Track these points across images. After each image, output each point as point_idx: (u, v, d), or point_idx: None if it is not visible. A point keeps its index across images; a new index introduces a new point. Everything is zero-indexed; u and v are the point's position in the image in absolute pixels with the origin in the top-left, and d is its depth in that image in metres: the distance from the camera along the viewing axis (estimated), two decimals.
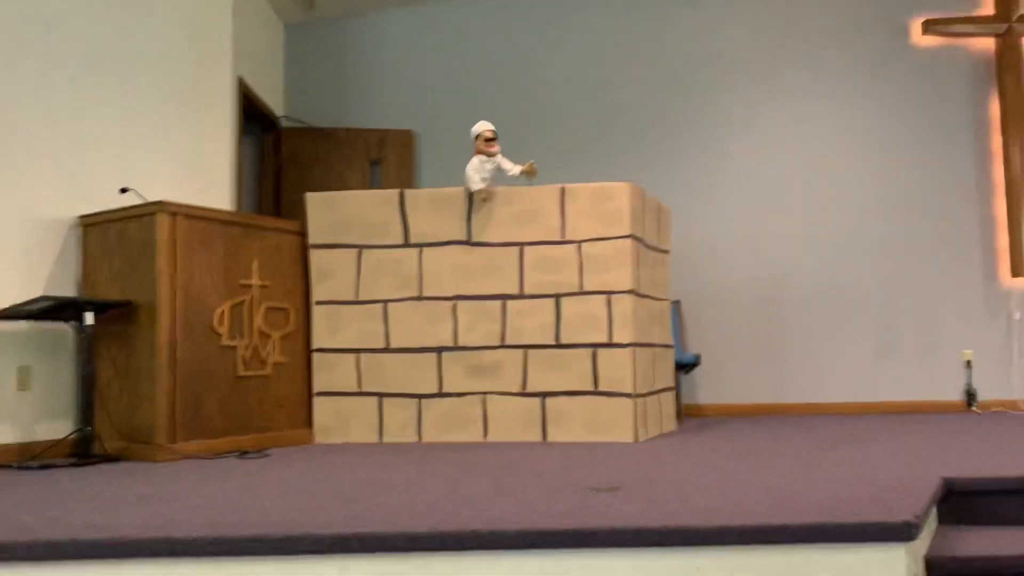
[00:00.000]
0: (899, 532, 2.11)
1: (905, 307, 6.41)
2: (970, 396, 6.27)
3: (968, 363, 6.32)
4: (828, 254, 6.50)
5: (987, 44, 6.51)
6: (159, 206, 4.06)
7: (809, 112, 6.61)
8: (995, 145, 6.45)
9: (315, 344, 4.73)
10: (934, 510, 2.66)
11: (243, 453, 4.08)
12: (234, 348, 4.34)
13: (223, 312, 4.29)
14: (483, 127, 4.61)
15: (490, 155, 4.57)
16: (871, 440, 4.20)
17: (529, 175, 4.58)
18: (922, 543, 2.38)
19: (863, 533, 2.11)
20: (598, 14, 6.84)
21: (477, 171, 4.57)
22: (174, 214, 4.11)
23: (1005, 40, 6.42)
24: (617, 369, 4.44)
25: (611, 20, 6.82)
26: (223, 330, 4.28)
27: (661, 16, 6.78)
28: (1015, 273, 6.29)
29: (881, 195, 6.50)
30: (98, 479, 3.30)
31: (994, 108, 6.46)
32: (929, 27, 6.49)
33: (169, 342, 4.03)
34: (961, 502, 2.80)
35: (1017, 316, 6.33)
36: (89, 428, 3.94)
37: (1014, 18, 6.41)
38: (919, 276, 6.42)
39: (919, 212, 6.47)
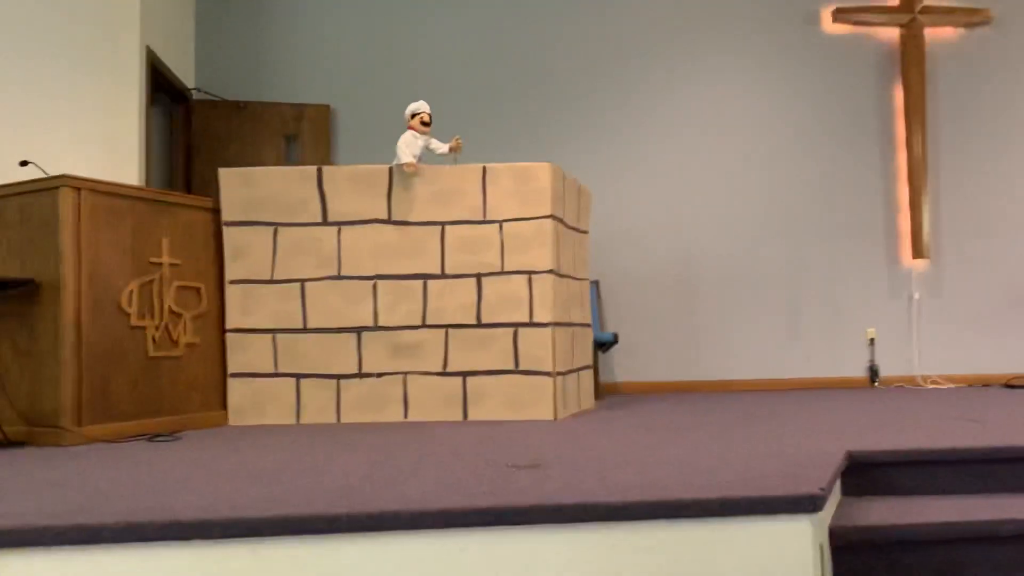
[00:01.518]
0: (805, 504, 2.19)
1: (813, 287, 6.64)
2: (873, 373, 6.55)
3: (872, 341, 6.60)
4: (741, 236, 6.67)
5: (892, 34, 6.77)
6: (62, 180, 3.88)
7: (723, 96, 6.75)
8: (899, 132, 6.72)
9: (229, 324, 4.61)
10: (838, 482, 2.78)
11: (154, 436, 3.97)
12: (144, 328, 4.20)
13: (132, 291, 4.14)
14: (422, 107, 4.66)
15: (422, 133, 4.59)
16: (780, 416, 4.34)
17: (455, 151, 4.60)
18: (827, 514, 2.48)
19: (772, 506, 2.19)
20: None
21: (409, 145, 4.60)
22: (78, 189, 3.93)
23: (909, 30, 6.68)
24: (537, 348, 4.48)
25: None
26: (132, 310, 4.13)
27: None
28: (916, 255, 6.59)
29: (791, 178, 6.70)
30: (0, 465, 3.16)
31: (898, 96, 6.73)
32: (839, 15, 6.69)
33: (74, 322, 3.87)
34: (863, 474, 2.93)
35: (917, 296, 6.63)
36: None
37: (917, 9, 6.67)
38: (826, 257, 6.66)
39: (827, 195, 6.70)
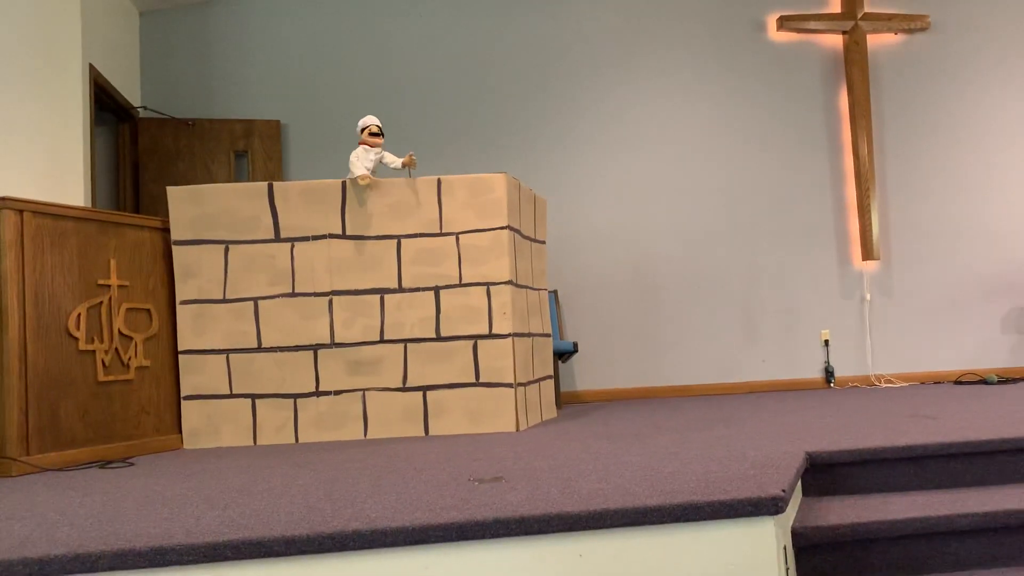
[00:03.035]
0: (768, 506, 2.20)
1: (767, 291, 6.73)
2: (829, 373, 6.64)
3: (826, 342, 6.70)
4: (695, 241, 6.73)
5: (836, 40, 6.91)
6: (3, 202, 3.76)
7: (674, 104, 6.82)
8: (845, 135, 6.85)
9: (181, 345, 4.51)
10: (799, 483, 2.80)
11: (106, 463, 3.86)
12: (93, 352, 4.09)
13: (79, 315, 4.03)
14: (370, 121, 4.68)
15: (373, 147, 4.58)
16: (739, 419, 4.38)
17: (409, 166, 4.58)
18: (789, 515, 2.50)
19: (734, 509, 2.20)
20: (469, 1, 6.82)
21: (360, 159, 4.60)
22: (20, 211, 3.82)
23: (851, 36, 6.83)
24: (498, 360, 4.45)
25: (481, 7, 6.81)
26: (80, 334, 4.02)
27: (529, 6, 6.83)
28: (866, 256, 6.71)
29: (742, 184, 6.79)
30: None
31: (843, 100, 6.87)
32: (783, 23, 6.81)
33: (19, 348, 3.75)
34: (823, 474, 2.96)
35: (869, 297, 6.75)
36: None
37: (859, 16, 6.82)
38: (779, 261, 6.75)
39: (778, 200, 6.79)
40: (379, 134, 4.63)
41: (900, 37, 6.93)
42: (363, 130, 4.64)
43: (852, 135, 6.78)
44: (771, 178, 6.81)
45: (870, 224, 6.70)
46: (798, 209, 6.80)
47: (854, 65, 6.80)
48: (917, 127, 6.89)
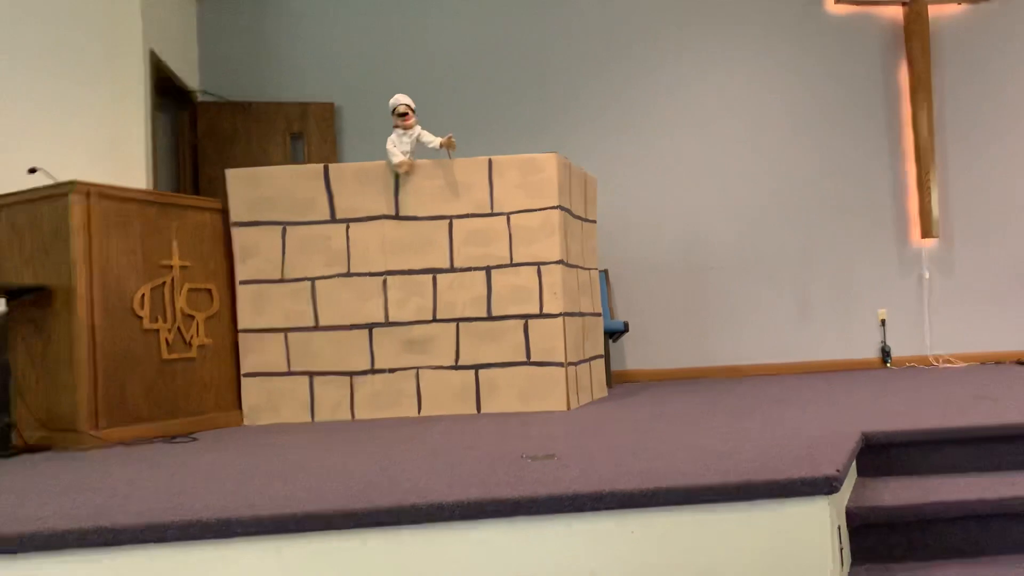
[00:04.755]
0: (822, 486, 2.20)
1: (822, 270, 6.63)
2: (885, 353, 6.54)
3: (883, 322, 6.58)
4: (749, 220, 6.65)
5: (896, 12, 6.72)
6: (71, 186, 3.90)
7: (727, 81, 6.72)
8: (905, 111, 6.68)
9: (241, 324, 4.63)
10: (854, 463, 2.78)
11: (171, 438, 4.00)
12: (157, 331, 4.23)
13: (143, 295, 4.17)
14: (397, 101, 4.64)
15: (405, 128, 4.57)
16: (793, 399, 4.35)
17: (448, 148, 4.55)
18: (843, 495, 2.49)
19: (789, 489, 2.20)
20: None
21: (395, 145, 4.60)
22: (88, 194, 3.95)
23: (912, 7, 6.63)
24: (548, 339, 4.48)
25: None
26: (144, 313, 4.16)
27: None
28: (925, 234, 6.56)
29: (798, 161, 6.68)
30: (22, 470, 3.19)
31: (903, 75, 6.69)
32: None
33: (88, 328, 3.89)
34: (879, 454, 2.94)
35: (927, 276, 6.61)
36: (7, 419, 3.79)
37: None
38: (835, 239, 6.64)
39: (835, 177, 6.67)
40: (407, 114, 4.58)
41: (964, 7, 6.72)
42: (393, 111, 4.62)
43: (912, 111, 6.61)
44: (827, 155, 6.68)
45: (930, 201, 6.54)
46: (854, 186, 6.66)
47: (915, 38, 6.61)
48: (980, 101, 6.68)
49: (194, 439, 3.96)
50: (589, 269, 5.14)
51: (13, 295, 3.88)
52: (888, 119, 6.70)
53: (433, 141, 4.59)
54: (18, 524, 2.12)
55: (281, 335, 4.62)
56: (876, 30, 6.73)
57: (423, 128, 4.67)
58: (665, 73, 6.73)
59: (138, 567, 2.07)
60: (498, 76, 6.74)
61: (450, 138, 4.55)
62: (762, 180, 6.67)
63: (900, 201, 6.66)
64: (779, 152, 6.68)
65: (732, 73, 6.72)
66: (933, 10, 6.68)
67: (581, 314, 4.86)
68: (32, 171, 4.08)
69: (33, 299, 3.96)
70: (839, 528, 2.33)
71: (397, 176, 4.60)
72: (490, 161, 4.59)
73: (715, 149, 6.69)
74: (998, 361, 6.44)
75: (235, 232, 4.65)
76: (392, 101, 4.64)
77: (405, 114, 4.59)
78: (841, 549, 2.32)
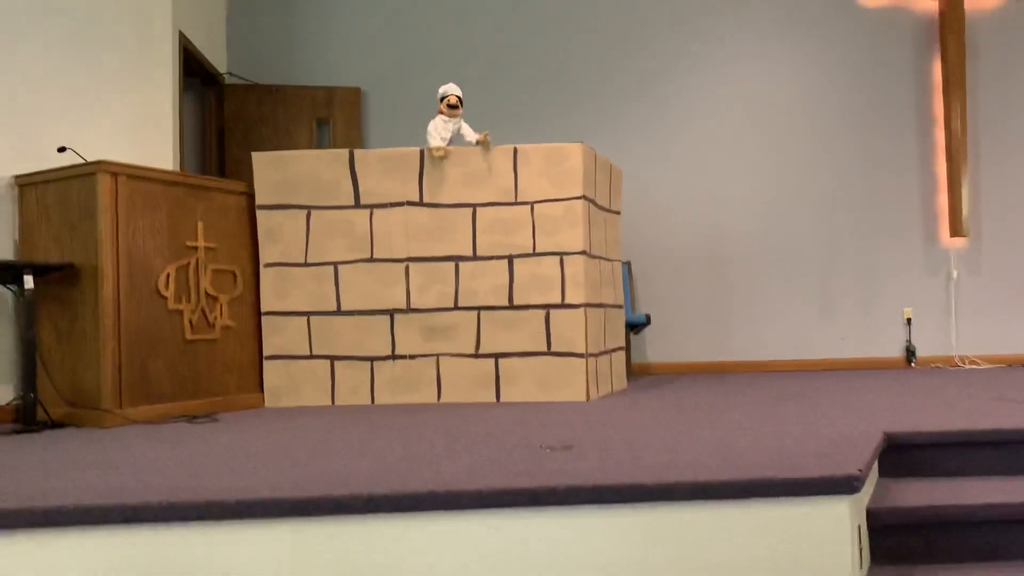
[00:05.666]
0: (843, 485, 2.18)
1: (848, 266, 6.56)
2: (910, 353, 6.46)
3: (908, 320, 6.51)
4: (774, 214, 6.59)
5: (930, 6, 6.61)
6: (99, 166, 3.93)
7: (756, 73, 6.65)
8: (937, 107, 6.58)
9: (264, 307, 4.66)
10: (876, 463, 2.75)
11: (193, 418, 4.03)
12: (181, 312, 4.26)
13: (168, 275, 4.20)
14: (450, 90, 4.63)
15: (451, 117, 4.57)
16: (815, 397, 4.31)
17: (483, 144, 4.56)
18: (865, 495, 2.47)
19: (809, 487, 2.18)
20: None
21: (438, 130, 4.61)
22: (115, 174, 3.98)
23: (948, 2, 6.52)
24: (569, 329, 4.47)
25: None
26: (169, 293, 4.19)
27: None
28: (954, 233, 6.47)
29: (826, 155, 6.60)
30: (45, 446, 3.23)
31: (936, 71, 6.59)
32: None
33: (113, 306, 3.93)
34: (901, 455, 2.90)
35: (955, 275, 6.52)
36: (32, 394, 3.84)
37: None
38: (861, 235, 6.57)
39: (862, 172, 6.59)
40: (457, 105, 4.60)
41: (1002, 1, 6.59)
42: (442, 99, 4.63)
43: (944, 106, 6.51)
44: (855, 149, 6.60)
45: (960, 200, 6.44)
46: (882, 183, 6.58)
47: (950, 32, 6.50)
48: (1016, 100, 6.57)
49: (215, 419, 3.99)
50: (612, 260, 5.11)
51: (40, 272, 3.93)
52: (919, 114, 6.60)
53: (472, 136, 4.61)
54: (42, 499, 2.15)
55: (303, 318, 4.64)
56: (909, 23, 6.63)
57: (465, 122, 4.68)
58: (692, 64, 6.67)
59: (157, 545, 2.09)
60: (525, 65, 6.72)
61: (486, 135, 4.56)
62: (789, 174, 6.60)
63: (929, 199, 6.57)
64: (807, 146, 6.61)
65: (761, 65, 6.65)
66: (970, 4, 6.56)
67: (603, 305, 4.84)
68: (61, 150, 4.13)
69: (60, 277, 4.01)
70: (859, 528, 2.30)
71: (423, 162, 4.60)
72: (515, 149, 4.57)
73: (741, 141, 6.63)
74: None
75: (260, 215, 4.67)
76: (444, 89, 4.63)
77: (456, 105, 4.59)
78: (861, 549, 2.30)
